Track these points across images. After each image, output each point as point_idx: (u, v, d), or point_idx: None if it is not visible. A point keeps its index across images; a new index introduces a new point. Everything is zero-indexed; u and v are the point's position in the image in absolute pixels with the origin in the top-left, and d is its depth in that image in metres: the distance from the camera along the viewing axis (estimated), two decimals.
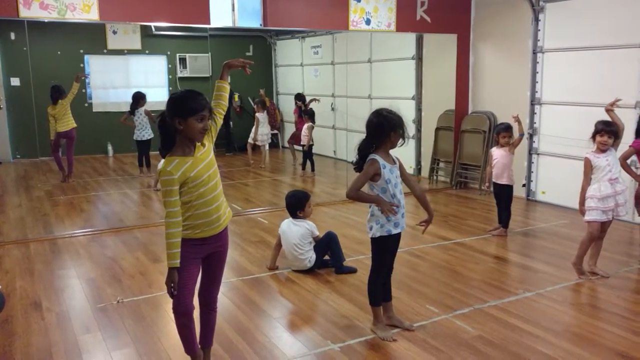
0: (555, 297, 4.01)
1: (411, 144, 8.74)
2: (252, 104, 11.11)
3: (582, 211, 4.32)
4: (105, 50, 10.17)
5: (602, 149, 4.23)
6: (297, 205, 4.62)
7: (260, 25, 6.18)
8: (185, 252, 2.69)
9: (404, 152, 9.16)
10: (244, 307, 3.91)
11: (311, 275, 4.47)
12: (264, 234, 5.72)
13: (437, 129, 8.38)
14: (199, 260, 2.81)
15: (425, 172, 8.73)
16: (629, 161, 4.66)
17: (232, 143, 11.78)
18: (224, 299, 3.94)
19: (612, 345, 3.28)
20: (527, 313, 3.74)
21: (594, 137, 4.27)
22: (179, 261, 2.63)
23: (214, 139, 2.83)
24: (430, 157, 8.55)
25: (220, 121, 2.88)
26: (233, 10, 5.91)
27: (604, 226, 4.33)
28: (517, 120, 5.40)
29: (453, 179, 8.05)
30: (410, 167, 8.88)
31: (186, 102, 2.63)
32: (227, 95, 2.95)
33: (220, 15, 5.89)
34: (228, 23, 5.98)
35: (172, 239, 2.61)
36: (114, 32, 10.14)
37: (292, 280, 4.41)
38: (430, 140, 8.54)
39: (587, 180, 4.26)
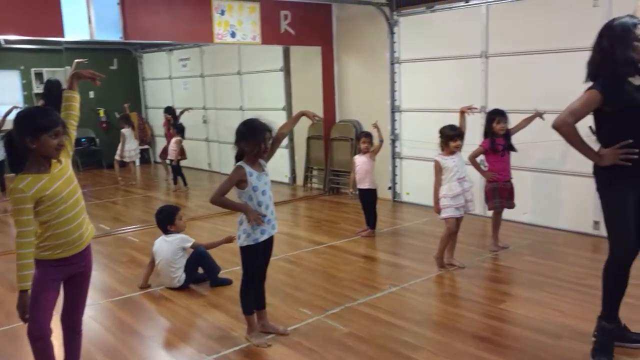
0: (418, 290, 4.31)
1: (285, 153, 8.93)
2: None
3: (437, 209, 4.68)
4: None
5: (454, 152, 4.62)
6: (167, 219, 4.54)
7: (121, 38, 5.99)
8: (44, 274, 2.57)
9: (277, 162, 9.27)
10: (114, 329, 3.77)
11: (185, 291, 4.41)
12: (135, 252, 5.53)
13: (309, 138, 8.62)
14: (59, 283, 2.69)
15: (299, 180, 8.93)
16: (478, 160, 5.14)
17: (100, 160, 11.26)
18: (91, 322, 3.76)
19: (467, 329, 3.59)
20: (394, 307, 3.98)
21: (446, 142, 4.64)
22: (30, 283, 2.49)
23: (71, 154, 2.73)
24: (304, 165, 8.78)
25: (74, 133, 2.78)
26: (90, 22, 5.66)
27: (457, 221, 4.72)
28: (376, 127, 5.75)
29: (326, 186, 8.32)
30: (285, 176, 9.06)
31: (36, 119, 2.51)
32: (77, 105, 2.85)
33: (76, 28, 5.61)
34: (85, 36, 5.72)
35: (23, 260, 2.47)
36: None
37: (165, 297, 4.31)
38: (302, 149, 8.77)
39: (438, 181, 4.63)
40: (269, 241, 3.43)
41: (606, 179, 3.00)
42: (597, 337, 3.09)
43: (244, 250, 3.36)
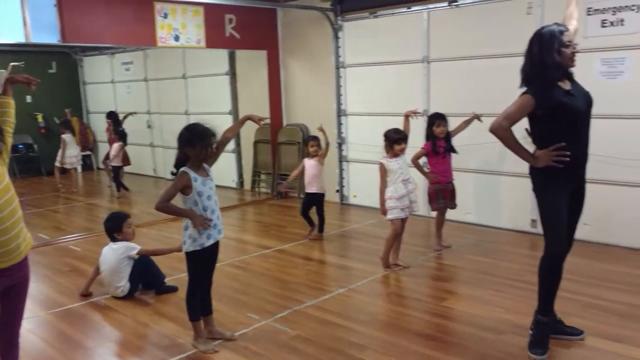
0: (365, 291, 4.38)
1: (232, 157, 8.87)
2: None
3: (383, 211, 4.77)
4: None
5: (398, 155, 4.71)
6: (114, 227, 4.43)
7: (59, 41, 5.80)
8: None
9: (225, 167, 9.21)
10: (54, 341, 3.65)
11: (130, 300, 4.31)
12: (77, 262, 5.36)
13: (256, 142, 8.60)
14: None
15: (247, 184, 8.89)
16: (420, 162, 5.26)
17: (39, 167, 10.85)
18: (29, 335, 3.64)
19: (413, 327, 3.67)
20: (341, 308, 4.03)
21: (391, 145, 4.74)
22: None
23: (7, 162, 2.63)
24: (251, 169, 8.74)
25: (10, 140, 2.68)
26: (25, 24, 5.46)
27: (403, 222, 4.82)
28: (321, 130, 5.81)
29: (274, 190, 8.31)
30: (232, 181, 9.00)
31: None
32: (12, 111, 2.75)
33: (10, 30, 5.40)
34: (20, 38, 5.51)
35: None
36: None
37: (109, 307, 4.21)
38: (249, 153, 8.73)
39: (383, 183, 4.72)
40: (215, 246, 3.41)
41: (541, 180, 3.14)
42: (534, 331, 3.23)
43: (190, 255, 3.33)
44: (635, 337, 3.37)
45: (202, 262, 3.38)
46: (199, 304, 3.43)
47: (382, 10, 6.80)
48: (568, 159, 2.99)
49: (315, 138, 5.81)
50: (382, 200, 4.74)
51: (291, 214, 7.20)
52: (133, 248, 4.39)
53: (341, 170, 7.62)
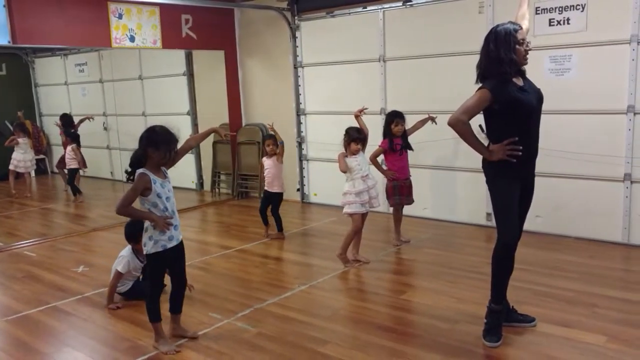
0: (326, 287, 4.43)
1: (191, 159, 8.79)
2: (10, 128, 10.04)
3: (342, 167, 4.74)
4: None
5: (354, 154, 4.78)
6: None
7: (9, 42, 5.66)
8: None
9: (184, 168, 9.10)
10: (9, 348, 3.57)
11: (87, 303, 4.25)
12: (32, 268, 5.24)
13: (215, 143, 8.55)
14: None
15: (207, 185, 8.83)
16: (379, 159, 5.35)
17: None
18: None
19: (373, 321, 3.74)
20: (302, 304, 4.07)
21: (348, 142, 4.80)
22: None
23: None
24: (211, 170, 8.69)
25: None
26: None
27: (362, 217, 4.89)
28: (272, 129, 5.85)
29: (234, 190, 8.29)
30: (192, 182, 8.93)
31: None
32: None
33: None
34: None
35: None
36: None
37: (66, 312, 4.14)
38: (209, 154, 8.67)
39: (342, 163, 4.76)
40: (179, 246, 3.41)
41: (494, 172, 3.26)
42: (487, 319, 3.34)
43: (152, 257, 3.32)
44: (583, 321, 3.54)
45: (164, 264, 3.37)
46: (159, 306, 3.41)
47: (339, 9, 6.88)
48: (520, 153, 3.11)
49: (271, 137, 5.83)
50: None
51: (252, 214, 7.18)
52: (118, 264, 4.18)
53: (301, 169, 7.66)
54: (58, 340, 3.71)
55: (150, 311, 3.41)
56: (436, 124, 5.23)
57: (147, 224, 3.30)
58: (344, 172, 4.78)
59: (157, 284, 3.41)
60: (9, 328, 3.90)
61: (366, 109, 5.14)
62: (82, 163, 8.57)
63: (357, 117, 5.02)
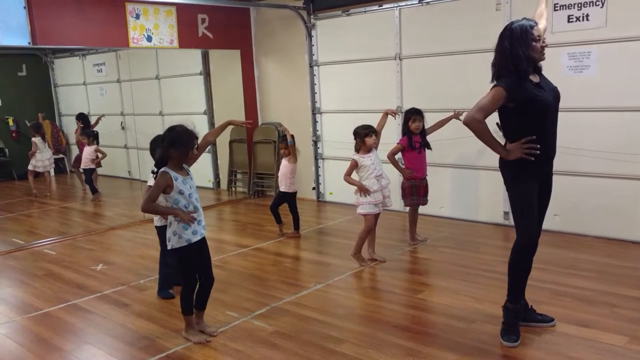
0: (342, 285, 4.43)
1: (208, 157, 8.85)
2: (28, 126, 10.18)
3: (360, 188, 4.73)
4: None
5: (371, 150, 4.76)
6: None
7: (29, 43, 5.74)
8: None
9: (201, 167, 9.17)
10: (31, 345, 3.63)
11: (107, 301, 4.31)
12: (52, 266, 5.31)
13: (231, 142, 8.59)
14: None
15: (224, 184, 8.88)
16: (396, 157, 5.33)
17: (10, 171, 10.68)
18: (6, 340, 3.63)
19: (389, 320, 3.74)
20: (319, 303, 4.08)
21: (362, 140, 4.78)
22: None
23: None
24: (227, 169, 8.74)
25: None
26: None
27: (375, 218, 4.88)
28: (284, 129, 5.88)
29: (250, 189, 8.32)
30: (209, 181, 8.98)
31: None
32: None
33: None
34: None
35: None
36: None
37: (86, 309, 4.19)
38: (225, 153, 8.72)
39: (348, 173, 4.77)
40: (202, 242, 3.48)
41: (512, 172, 3.22)
42: (504, 319, 3.32)
43: (178, 252, 3.40)
44: (602, 322, 3.49)
45: (191, 258, 3.44)
46: (192, 300, 3.50)
47: (354, 8, 6.86)
48: (538, 152, 3.07)
49: (284, 140, 5.84)
50: (353, 182, 4.75)
51: (268, 213, 7.13)
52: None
53: (317, 168, 7.66)
54: (78, 338, 3.77)
55: (183, 304, 3.52)
56: (461, 119, 5.18)
57: (171, 218, 3.38)
58: (347, 176, 4.77)
59: (188, 278, 3.50)
60: (30, 325, 3.96)
61: (398, 114, 5.09)
62: (97, 163, 8.65)
63: (385, 113, 5.00)
